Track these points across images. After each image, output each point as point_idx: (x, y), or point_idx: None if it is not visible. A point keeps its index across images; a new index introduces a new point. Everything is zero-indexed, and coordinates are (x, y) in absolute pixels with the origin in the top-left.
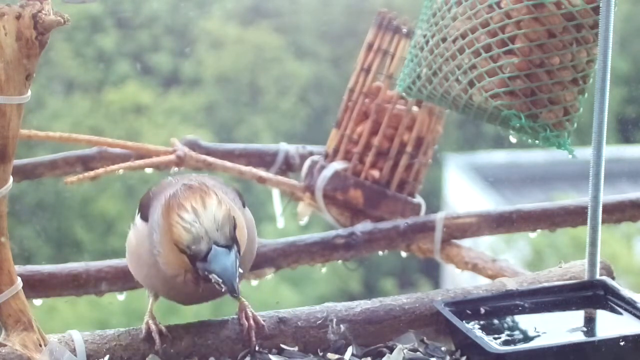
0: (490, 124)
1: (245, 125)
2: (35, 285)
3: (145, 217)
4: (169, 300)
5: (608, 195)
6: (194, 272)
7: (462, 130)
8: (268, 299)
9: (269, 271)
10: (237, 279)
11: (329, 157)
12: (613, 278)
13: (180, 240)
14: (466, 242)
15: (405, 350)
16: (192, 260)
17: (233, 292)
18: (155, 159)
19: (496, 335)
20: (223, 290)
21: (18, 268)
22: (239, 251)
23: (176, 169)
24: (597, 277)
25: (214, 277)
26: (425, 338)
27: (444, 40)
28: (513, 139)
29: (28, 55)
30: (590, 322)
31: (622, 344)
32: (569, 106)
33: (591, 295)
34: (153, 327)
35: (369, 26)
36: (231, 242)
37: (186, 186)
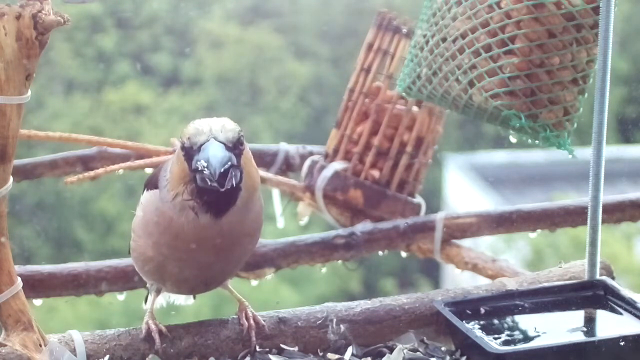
0: (490, 124)
1: (245, 125)
2: (35, 285)
3: (153, 186)
4: (172, 292)
5: (608, 195)
6: (192, 183)
7: (462, 130)
8: (268, 299)
9: (269, 271)
10: (229, 175)
11: (329, 157)
12: (613, 278)
13: (183, 135)
14: (466, 242)
15: (405, 350)
16: (189, 157)
17: (214, 178)
18: (155, 159)
19: (496, 335)
20: (208, 180)
21: (18, 268)
22: (241, 171)
23: None
24: (597, 277)
25: (201, 164)
26: (425, 338)
27: (444, 40)
28: (513, 139)
29: (28, 55)
30: (590, 322)
31: (622, 344)
32: (569, 106)
33: (591, 295)
34: (153, 327)
35: (369, 26)
36: (231, 146)
37: None
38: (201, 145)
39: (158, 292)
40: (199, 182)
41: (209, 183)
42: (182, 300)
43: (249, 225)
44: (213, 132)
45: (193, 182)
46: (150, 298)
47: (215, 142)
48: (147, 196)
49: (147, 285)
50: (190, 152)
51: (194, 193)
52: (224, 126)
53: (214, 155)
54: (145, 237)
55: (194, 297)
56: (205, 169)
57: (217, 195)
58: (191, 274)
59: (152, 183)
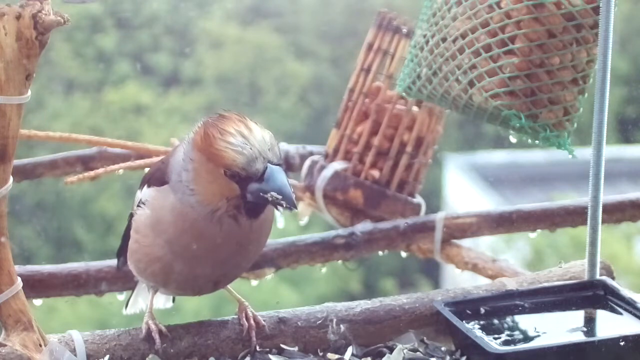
0: (490, 124)
1: None
2: (35, 285)
3: (159, 183)
4: (173, 294)
5: (608, 195)
6: (239, 199)
7: (462, 130)
8: (268, 299)
9: (269, 271)
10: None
11: (329, 157)
12: (613, 278)
13: (234, 164)
14: (466, 242)
15: (405, 350)
16: (245, 183)
17: (294, 206)
18: (155, 159)
19: (496, 335)
20: (284, 206)
21: (18, 268)
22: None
23: None
24: (597, 277)
25: (272, 195)
26: (425, 338)
27: (444, 40)
28: (513, 139)
29: (28, 55)
30: (590, 322)
31: (622, 344)
32: (569, 106)
33: (591, 295)
34: (153, 327)
35: (369, 26)
36: (282, 161)
37: (218, 115)
38: (262, 174)
39: (155, 291)
40: (253, 198)
41: (282, 208)
42: (162, 304)
43: (267, 224)
44: (264, 154)
45: (241, 199)
46: (148, 298)
47: (275, 168)
48: (153, 194)
49: (147, 287)
50: (248, 180)
51: (239, 207)
52: (265, 140)
53: (284, 185)
54: (154, 236)
55: (173, 300)
56: (282, 200)
57: (260, 205)
58: (203, 273)
59: (155, 179)
